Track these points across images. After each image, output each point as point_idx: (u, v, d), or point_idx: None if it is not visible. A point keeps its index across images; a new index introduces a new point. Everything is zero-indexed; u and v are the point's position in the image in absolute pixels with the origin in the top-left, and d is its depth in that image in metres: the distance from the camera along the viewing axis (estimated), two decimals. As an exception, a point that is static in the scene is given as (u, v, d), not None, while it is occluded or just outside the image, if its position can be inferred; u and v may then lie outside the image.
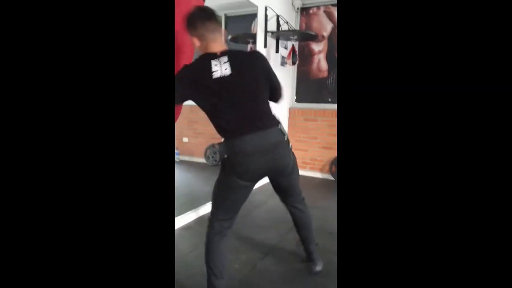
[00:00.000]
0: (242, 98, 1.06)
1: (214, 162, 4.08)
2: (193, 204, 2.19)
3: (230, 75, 1.04)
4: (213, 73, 1.03)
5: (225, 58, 1.05)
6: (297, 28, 3.36)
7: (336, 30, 3.23)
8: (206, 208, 2.24)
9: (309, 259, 1.46)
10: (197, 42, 1.09)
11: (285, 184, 1.25)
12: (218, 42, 1.09)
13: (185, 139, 4.25)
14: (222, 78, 1.03)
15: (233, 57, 1.07)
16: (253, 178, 1.10)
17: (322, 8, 3.29)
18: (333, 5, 3.23)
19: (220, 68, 1.03)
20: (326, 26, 3.29)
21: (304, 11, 3.38)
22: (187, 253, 1.59)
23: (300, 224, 1.39)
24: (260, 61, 1.13)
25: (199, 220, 2.09)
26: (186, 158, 4.27)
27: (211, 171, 3.70)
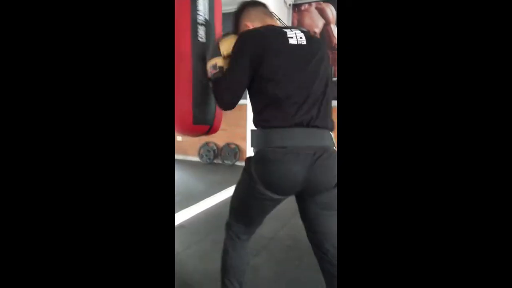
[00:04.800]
0: (315, 75, 0.86)
1: (208, 160, 4.06)
2: (187, 202, 2.19)
3: (308, 45, 0.87)
4: (289, 39, 0.85)
5: (298, 31, 0.89)
6: (289, 24, 3.36)
7: (328, 27, 3.24)
8: (200, 207, 2.23)
9: None
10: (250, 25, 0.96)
11: (320, 209, 0.88)
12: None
13: (179, 138, 4.22)
14: (299, 46, 0.86)
15: (306, 32, 0.90)
16: (286, 192, 0.85)
17: (313, 5, 3.29)
18: (324, 1, 3.23)
19: (296, 37, 0.86)
20: (317, 22, 3.29)
21: (296, 7, 3.37)
22: (179, 252, 1.59)
23: None
24: (326, 49, 0.95)
25: (193, 219, 2.08)
26: (180, 157, 4.25)
27: (205, 169, 3.69)
